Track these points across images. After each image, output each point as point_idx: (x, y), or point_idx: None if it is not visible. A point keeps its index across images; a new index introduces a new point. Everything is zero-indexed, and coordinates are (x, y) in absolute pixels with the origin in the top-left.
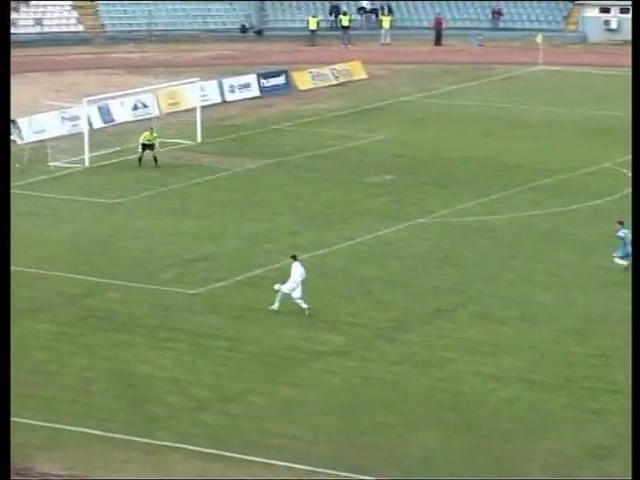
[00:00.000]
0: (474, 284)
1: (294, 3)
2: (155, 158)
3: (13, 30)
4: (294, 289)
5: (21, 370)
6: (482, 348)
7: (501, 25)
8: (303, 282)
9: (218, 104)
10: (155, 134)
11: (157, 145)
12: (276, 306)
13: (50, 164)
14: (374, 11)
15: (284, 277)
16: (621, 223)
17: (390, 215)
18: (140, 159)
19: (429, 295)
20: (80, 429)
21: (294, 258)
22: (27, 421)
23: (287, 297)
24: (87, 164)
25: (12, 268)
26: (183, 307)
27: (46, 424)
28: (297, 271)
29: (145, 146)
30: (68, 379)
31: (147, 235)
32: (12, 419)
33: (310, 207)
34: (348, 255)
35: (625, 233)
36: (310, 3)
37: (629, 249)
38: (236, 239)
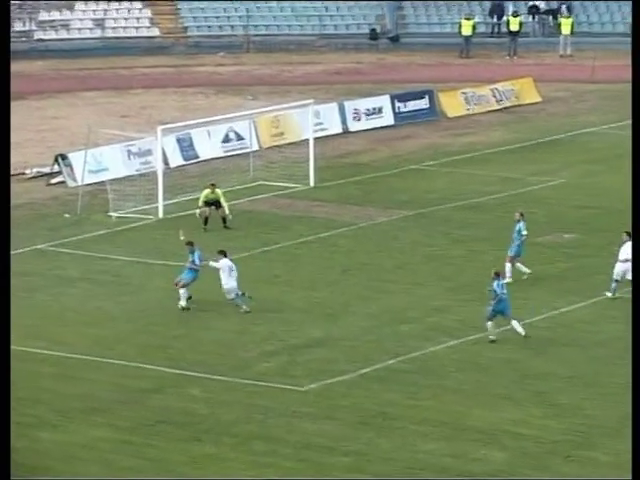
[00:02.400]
0: None
1: (442, 2)
2: (224, 219)
3: (67, 35)
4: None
5: None
6: None
7: None
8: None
9: (338, 135)
10: (218, 190)
11: (225, 204)
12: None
13: (112, 214)
14: (551, 12)
15: (424, 369)
16: (223, 253)
17: (570, 287)
18: (205, 220)
19: (623, 397)
20: None
21: (224, 254)
22: None
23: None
24: (161, 215)
25: (58, 354)
26: (288, 409)
27: None
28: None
29: (209, 204)
30: None
31: (240, 311)
32: None
33: (462, 276)
34: (511, 341)
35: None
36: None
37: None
38: (361, 318)
